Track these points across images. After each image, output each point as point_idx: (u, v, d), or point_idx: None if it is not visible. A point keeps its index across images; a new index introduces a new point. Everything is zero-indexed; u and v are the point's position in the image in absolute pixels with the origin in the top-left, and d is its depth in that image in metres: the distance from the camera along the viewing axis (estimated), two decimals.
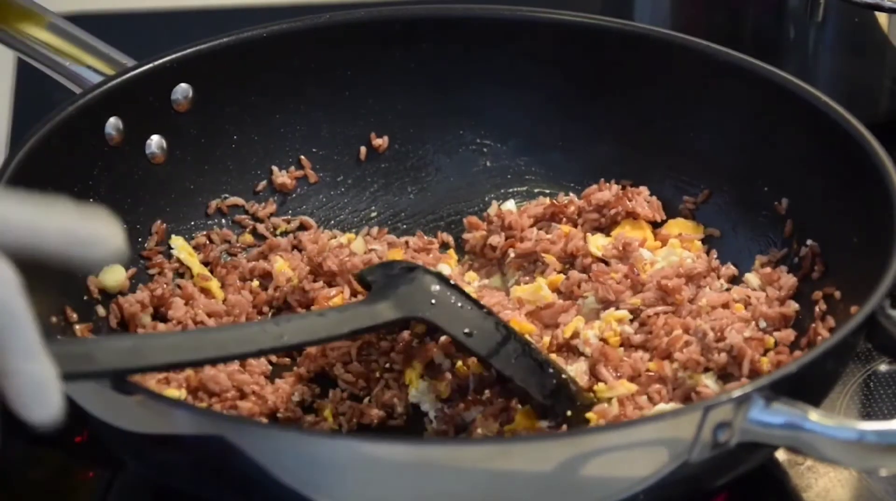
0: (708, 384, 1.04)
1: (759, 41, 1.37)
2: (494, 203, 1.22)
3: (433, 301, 1.04)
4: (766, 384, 0.89)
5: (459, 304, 1.05)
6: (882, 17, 1.34)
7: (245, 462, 0.88)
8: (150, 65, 1.15)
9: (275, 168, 1.21)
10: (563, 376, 1.04)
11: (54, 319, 1.03)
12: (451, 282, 1.07)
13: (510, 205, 1.21)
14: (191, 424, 0.90)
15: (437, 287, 1.05)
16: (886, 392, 1.11)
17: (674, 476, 0.89)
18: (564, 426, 1.01)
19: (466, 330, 1.04)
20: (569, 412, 1.02)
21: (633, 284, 1.12)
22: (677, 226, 1.19)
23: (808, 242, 1.11)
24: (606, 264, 1.15)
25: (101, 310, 1.09)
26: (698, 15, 1.40)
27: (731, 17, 1.38)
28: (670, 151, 1.20)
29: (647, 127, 1.20)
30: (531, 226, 1.19)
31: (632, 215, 1.18)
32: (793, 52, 1.36)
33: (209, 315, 1.10)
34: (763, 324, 1.08)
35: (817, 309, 1.07)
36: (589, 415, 1.02)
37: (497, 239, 1.17)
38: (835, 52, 1.37)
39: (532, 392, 1.02)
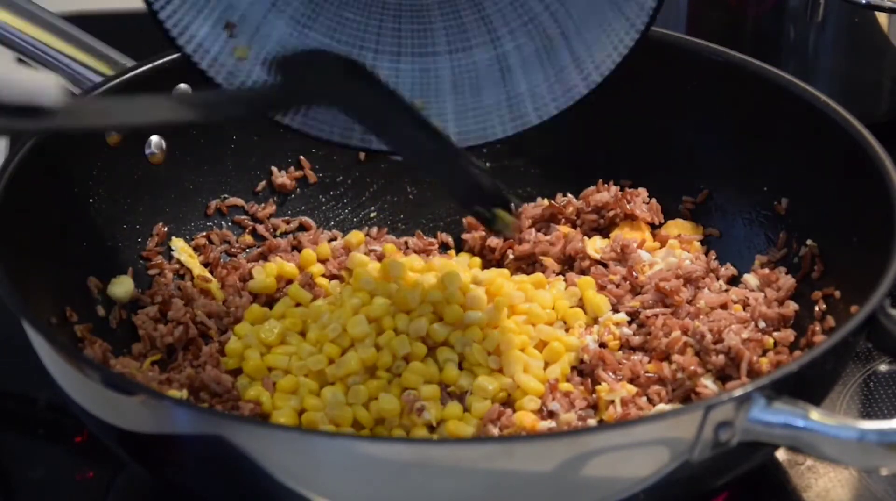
0: (707, 384, 1.04)
1: (759, 41, 1.37)
2: None
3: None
4: (767, 384, 0.89)
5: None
6: (882, 17, 1.34)
7: (245, 462, 0.88)
8: (150, 65, 1.15)
9: (274, 169, 1.21)
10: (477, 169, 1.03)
11: (54, 319, 1.03)
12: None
13: None
14: (191, 424, 0.90)
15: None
16: (886, 392, 1.11)
17: (674, 475, 0.89)
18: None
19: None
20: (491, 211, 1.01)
21: (631, 286, 1.12)
22: (676, 227, 1.19)
23: (808, 242, 1.11)
24: (605, 266, 1.14)
25: (100, 310, 1.09)
26: (698, 15, 1.39)
27: (731, 17, 1.38)
28: (670, 151, 1.20)
29: (646, 127, 1.20)
30: (530, 227, 1.19)
31: (630, 217, 1.18)
32: (793, 52, 1.36)
33: (209, 316, 1.10)
34: (762, 324, 1.08)
35: (817, 309, 1.07)
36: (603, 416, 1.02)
37: (496, 240, 1.17)
38: (835, 52, 1.37)
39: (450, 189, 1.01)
